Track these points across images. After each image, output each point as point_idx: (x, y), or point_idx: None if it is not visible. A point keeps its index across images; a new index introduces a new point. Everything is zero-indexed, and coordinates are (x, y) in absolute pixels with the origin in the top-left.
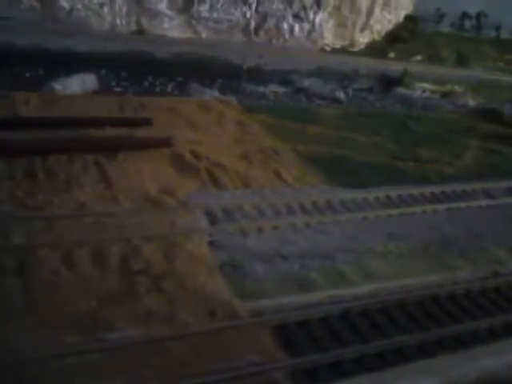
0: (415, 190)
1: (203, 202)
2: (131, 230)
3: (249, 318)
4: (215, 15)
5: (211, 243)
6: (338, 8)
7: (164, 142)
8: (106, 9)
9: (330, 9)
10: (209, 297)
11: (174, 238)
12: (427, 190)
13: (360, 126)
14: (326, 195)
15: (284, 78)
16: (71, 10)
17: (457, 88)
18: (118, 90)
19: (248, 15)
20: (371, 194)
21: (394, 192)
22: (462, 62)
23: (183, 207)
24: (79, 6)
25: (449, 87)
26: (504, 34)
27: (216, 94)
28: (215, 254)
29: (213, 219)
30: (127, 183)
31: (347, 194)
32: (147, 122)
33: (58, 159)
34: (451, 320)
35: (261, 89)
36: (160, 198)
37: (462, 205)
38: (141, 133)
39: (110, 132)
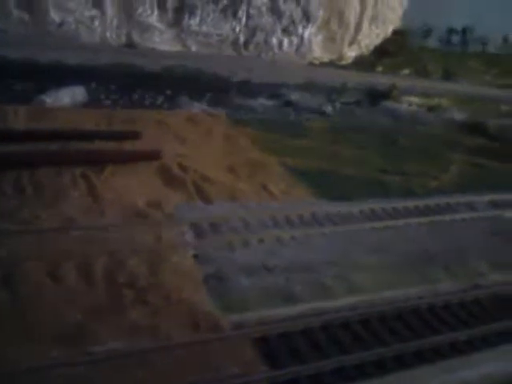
0: (400, 204)
1: (190, 215)
2: (117, 244)
3: (231, 330)
4: (205, 29)
5: (197, 256)
6: (326, 22)
7: (152, 155)
8: (96, 22)
9: (318, 23)
10: (193, 309)
11: (159, 251)
12: (411, 203)
13: (347, 140)
14: (312, 208)
15: (273, 91)
16: (62, 22)
17: (443, 102)
18: (108, 102)
19: (237, 29)
20: (356, 208)
21: (378, 205)
22: (448, 76)
23: (170, 220)
24: (70, 19)
25: (435, 101)
26: (490, 49)
27: (205, 107)
28: (201, 267)
29: (199, 232)
30: (115, 196)
31: (333, 208)
32: (135, 136)
33: (46, 172)
34: (431, 332)
35: (250, 102)
36: (147, 211)
37: (446, 218)
38: (129, 146)
39: (98, 145)
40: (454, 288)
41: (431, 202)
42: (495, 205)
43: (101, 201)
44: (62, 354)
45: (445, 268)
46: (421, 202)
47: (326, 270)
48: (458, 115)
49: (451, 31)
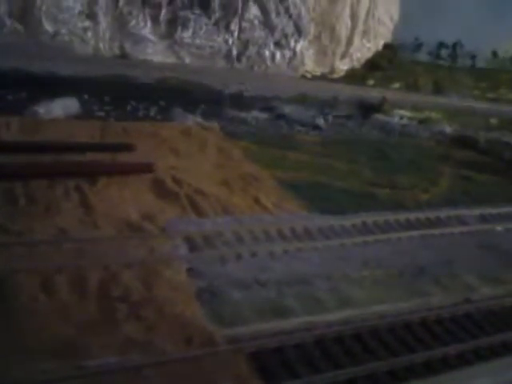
0: (391, 217)
1: (183, 228)
2: (111, 257)
3: (225, 344)
4: (198, 41)
5: (190, 270)
6: (318, 36)
7: (145, 168)
8: (89, 33)
9: (310, 37)
10: (186, 324)
11: (153, 265)
12: (402, 216)
13: (339, 153)
14: (305, 222)
15: (265, 104)
16: (55, 34)
17: (433, 115)
18: (101, 114)
19: (230, 42)
20: (348, 221)
21: (370, 218)
22: (438, 89)
23: (163, 234)
24: (63, 31)
25: (425, 114)
26: (479, 63)
27: (198, 119)
28: (194, 281)
29: (192, 246)
30: (108, 209)
31: (325, 221)
32: (129, 148)
33: (39, 184)
34: (422, 346)
35: (242, 115)
36: (140, 224)
37: (436, 232)
38: (122, 158)
39: (91, 157)
40: (446, 302)
41: (422, 215)
42: (485, 218)
43: (94, 213)
44: (53, 367)
45: (436, 282)
46: (412, 215)
47: (318, 284)
48: (448, 128)
49: (441, 45)
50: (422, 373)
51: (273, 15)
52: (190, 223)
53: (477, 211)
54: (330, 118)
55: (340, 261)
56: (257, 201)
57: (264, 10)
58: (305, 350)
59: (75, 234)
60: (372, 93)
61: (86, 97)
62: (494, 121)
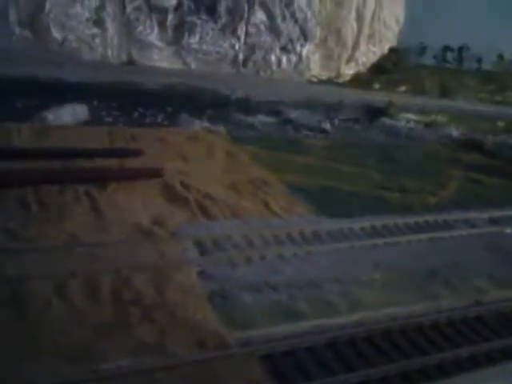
0: (400, 220)
1: (193, 232)
2: (122, 261)
3: (237, 347)
4: (204, 47)
5: (201, 274)
6: (324, 40)
7: (154, 173)
8: (97, 40)
9: (316, 41)
10: (198, 327)
11: (164, 269)
12: (411, 219)
13: (346, 157)
14: (314, 225)
15: (272, 108)
16: (63, 41)
17: (440, 118)
18: (109, 120)
19: (236, 47)
20: (357, 224)
21: (379, 222)
22: (444, 93)
23: (173, 238)
24: (71, 37)
25: (432, 117)
26: (485, 66)
27: (205, 124)
28: (204, 285)
29: (202, 250)
30: (118, 214)
31: (334, 224)
32: (137, 153)
33: (49, 190)
34: (434, 348)
35: (249, 119)
36: (151, 229)
37: (445, 234)
38: (131, 163)
39: (100, 163)
40: (456, 304)
41: (431, 218)
42: (494, 221)
43: (104, 218)
44: (67, 371)
45: (446, 284)
46: (421, 219)
47: (329, 287)
48: (455, 132)
49: (446, 49)
50: (434, 375)
51: (279, 20)
52: (199, 227)
53: (486, 214)
54: (337, 121)
55: (350, 263)
56: (266, 204)
57: (270, 15)
58: (317, 352)
59: (87, 238)
60: (378, 96)
61: (94, 103)
62: (500, 123)
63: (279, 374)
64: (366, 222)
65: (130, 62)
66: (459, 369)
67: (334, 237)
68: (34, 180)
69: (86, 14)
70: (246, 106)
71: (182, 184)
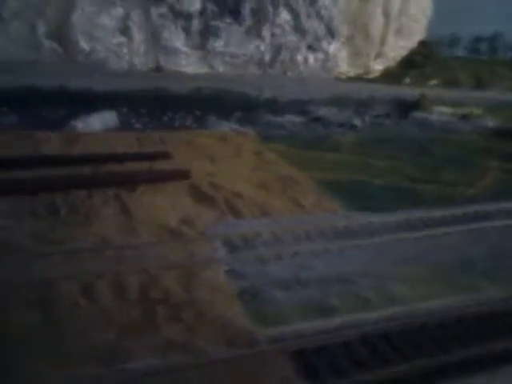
0: (436, 213)
1: (222, 231)
2: (151, 261)
3: (268, 344)
4: (230, 50)
5: (230, 272)
6: (351, 37)
7: (182, 175)
8: (124, 49)
9: (343, 38)
10: (228, 325)
11: (192, 268)
12: (447, 212)
13: (378, 152)
14: (345, 220)
15: (300, 107)
16: (91, 51)
17: (475, 110)
18: (138, 126)
19: (262, 48)
20: (391, 218)
21: (414, 215)
22: (478, 84)
23: (202, 237)
24: (99, 47)
25: (467, 109)
26: None
27: (233, 125)
28: (234, 283)
29: (232, 248)
30: (147, 215)
31: (366, 219)
32: (165, 156)
33: (79, 195)
34: (475, 341)
35: (278, 119)
36: (179, 229)
37: (483, 225)
38: (159, 166)
39: (129, 167)
40: (498, 296)
41: (469, 209)
42: None
43: (133, 220)
44: (95, 371)
45: (486, 276)
46: (457, 211)
47: (362, 282)
48: (491, 122)
49: (479, 39)
50: (475, 369)
51: (304, 19)
52: (228, 226)
53: None
54: (367, 117)
55: (384, 258)
56: (295, 201)
57: (295, 14)
58: (350, 347)
59: (116, 240)
60: (409, 91)
61: (123, 110)
62: None
63: (311, 370)
64: (400, 216)
65: (158, 69)
66: (502, 363)
67: (366, 231)
68: (63, 186)
69: (113, 24)
70: (274, 106)
71: (210, 184)
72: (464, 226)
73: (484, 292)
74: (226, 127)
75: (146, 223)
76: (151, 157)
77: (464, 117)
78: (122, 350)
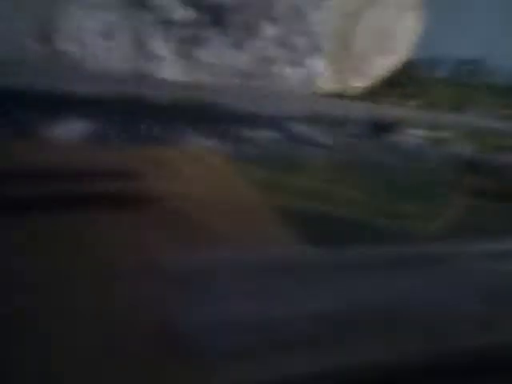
0: (386, 251)
1: (177, 264)
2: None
3: None
4: (214, 60)
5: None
6: (334, 53)
7: (146, 198)
8: (104, 52)
9: (325, 54)
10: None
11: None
12: (396, 251)
13: (346, 178)
14: (293, 257)
15: (277, 124)
16: (74, 54)
17: (450, 135)
18: (113, 135)
19: (246, 61)
20: (341, 256)
21: (371, 252)
22: (457, 107)
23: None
24: (81, 50)
25: (442, 134)
26: (501, 80)
27: (209, 142)
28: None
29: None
30: (99, 244)
31: (316, 256)
32: (133, 175)
33: (41, 218)
34: None
35: (254, 135)
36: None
37: (428, 270)
38: (124, 186)
39: (92, 185)
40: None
41: (419, 250)
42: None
43: (83, 249)
44: None
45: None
46: (407, 250)
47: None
48: (464, 150)
49: (461, 62)
50: None
51: (289, 33)
52: (185, 258)
53: (486, 246)
54: (342, 138)
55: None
56: (252, 232)
57: (280, 28)
58: None
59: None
60: (388, 111)
61: (98, 118)
62: None
63: None
64: (351, 252)
65: (139, 75)
66: None
67: (316, 269)
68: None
69: (98, 27)
70: (253, 121)
71: (177, 210)
72: (409, 269)
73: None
74: (202, 143)
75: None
76: (117, 174)
77: (438, 142)
78: None
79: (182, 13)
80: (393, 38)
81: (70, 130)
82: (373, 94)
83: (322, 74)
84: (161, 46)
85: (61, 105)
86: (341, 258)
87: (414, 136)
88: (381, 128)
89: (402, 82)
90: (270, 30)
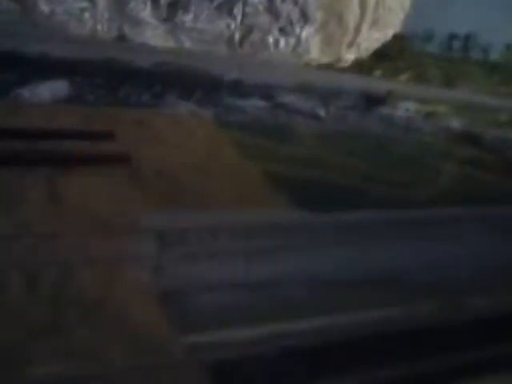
0: (379, 215)
1: (156, 223)
2: (71, 254)
3: (183, 354)
4: (199, 25)
5: (155, 270)
6: (325, 24)
7: (123, 158)
8: (87, 14)
9: (316, 24)
10: (140, 331)
11: (115, 264)
12: (393, 215)
13: (336, 146)
14: (287, 219)
15: (265, 92)
16: (51, 13)
17: (441, 109)
18: (91, 98)
19: (233, 27)
20: (334, 219)
21: (357, 217)
22: (448, 82)
23: (133, 229)
24: (59, 10)
25: (433, 108)
26: (493, 56)
27: (192, 106)
28: (157, 282)
29: (163, 243)
30: (77, 201)
31: (308, 218)
32: (110, 136)
33: (7, 173)
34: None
35: (240, 102)
36: (110, 219)
37: (427, 233)
38: (101, 147)
39: (68, 145)
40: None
41: (413, 214)
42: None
43: (61, 206)
44: None
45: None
46: (402, 215)
47: (295, 288)
48: (455, 123)
49: (453, 37)
50: None
51: (277, 1)
52: (164, 217)
53: (475, 211)
54: (332, 108)
55: (319, 262)
56: (240, 195)
57: None
58: (272, 362)
59: (37, 228)
60: (378, 84)
61: (77, 80)
62: (504, 117)
63: None
64: (343, 217)
65: (121, 39)
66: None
67: (307, 232)
68: None
69: None
70: (239, 88)
71: (152, 170)
72: (406, 232)
73: (417, 306)
74: (184, 107)
75: (75, 210)
76: (93, 136)
77: (429, 115)
78: (23, 354)
79: None
80: (385, 12)
81: (52, 91)
82: (363, 66)
83: (313, 44)
84: (144, 9)
85: (42, 67)
86: (327, 222)
87: (405, 109)
88: (373, 100)
89: (393, 56)
90: None
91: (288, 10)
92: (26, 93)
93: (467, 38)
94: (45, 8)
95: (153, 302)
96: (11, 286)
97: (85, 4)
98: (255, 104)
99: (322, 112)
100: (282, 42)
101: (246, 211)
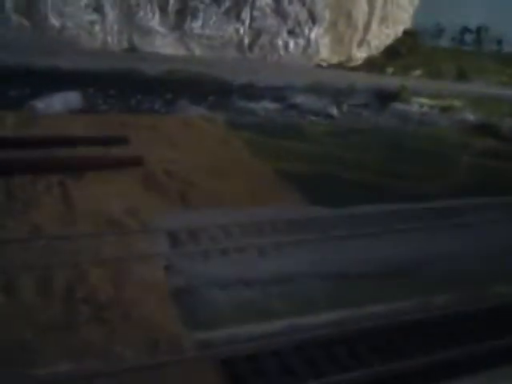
0: (395, 208)
1: (168, 223)
2: (83, 255)
3: (196, 351)
4: (208, 32)
5: (168, 268)
6: (334, 23)
7: (135, 161)
8: (97, 27)
9: (325, 24)
10: (154, 328)
11: (127, 263)
12: (408, 208)
13: (349, 143)
14: (300, 215)
15: (277, 94)
16: (62, 28)
17: (456, 103)
18: (104, 108)
19: (241, 31)
20: (347, 213)
21: (372, 210)
22: (462, 76)
23: (145, 229)
24: (70, 24)
25: (447, 102)
26: (506, 48)
27: (204, 111)
28: (171, 280)
29: (175, 241)
30: (90, 204)
31: (322, 214)
32: (123, 141)
33: (21, 180)
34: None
35: (251, 105)
36: (122, 220)
37: (440, 224)
38: (114, 152)
39: (82, 151)
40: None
41: (429, 206)
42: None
43: (75, 209)
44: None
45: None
46: (418, 206)
47: (309, 283)
48: (471, 116)
49: (465, 30)
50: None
51: (285, 2)
52: (176, 217)
53: (494, 200)
54: (345, 107)
55: (335, 256)
56: (253, 194)
57: None
58: (286, 357)
59: (50, 231)
60: (391, 81)
61: (89, 91)
62: None
63: (240, 381)
64: (358, 211)
65: (132, 49)
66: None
67: (321, 227)
68: (7, 170)
69: (85, 0)
70: (250, 91)
71: (166, 172)
72: (421, 223)
73: (437, 296)
74: (195, 112)
75: (87, 213)
76: (106, 141)
77: (444, 109)
78: (34, 353)
79: None
80: (394, 8)
81: (65, 102)
82: (375, 63)
83: (322, 44)
84: (153, 18)
85: (55, 80)
86: (344, 216)
87: (419, 104)
88: (386, 97)
89: (405, 52)
90: (265, 0)
91: (296, 11)
92: (40, 104)
93: (479, 31)
94: (55, 22)
95: (165, 299)
96: (23, 288)
97: (94, 17)
98: (267, 106)
99: (334, 111)
100: (292, 44)
101: (258, 209)
